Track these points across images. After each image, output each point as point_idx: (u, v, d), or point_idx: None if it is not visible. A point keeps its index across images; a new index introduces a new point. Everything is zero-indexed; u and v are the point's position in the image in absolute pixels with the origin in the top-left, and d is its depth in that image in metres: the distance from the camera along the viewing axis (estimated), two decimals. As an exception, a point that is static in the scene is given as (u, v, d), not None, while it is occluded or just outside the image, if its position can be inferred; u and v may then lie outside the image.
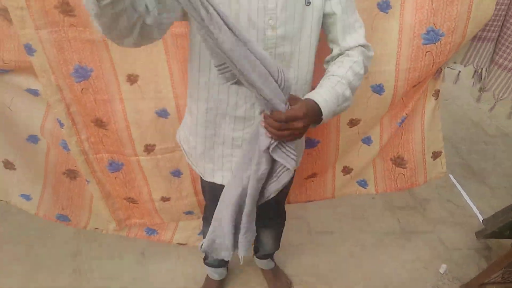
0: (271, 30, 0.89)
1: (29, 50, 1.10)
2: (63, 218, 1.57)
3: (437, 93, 1.42)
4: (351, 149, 1.56)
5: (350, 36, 0.98)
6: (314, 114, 0.89)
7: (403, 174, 1.60)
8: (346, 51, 0.98)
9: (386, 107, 1.39)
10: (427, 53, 1.23)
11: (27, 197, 1.48)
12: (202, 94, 1.00)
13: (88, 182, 1.44)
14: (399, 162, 1.57)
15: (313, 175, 1.64)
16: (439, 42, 1.21)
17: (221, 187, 1.13)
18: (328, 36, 1.01)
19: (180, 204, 1.59)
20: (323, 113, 0.89)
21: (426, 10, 1.17)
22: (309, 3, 0.91)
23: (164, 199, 1.55)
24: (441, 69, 1.39)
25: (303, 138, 1.20)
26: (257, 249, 1.73)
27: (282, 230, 1.60)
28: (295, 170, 1.06)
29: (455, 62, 1.39)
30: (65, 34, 1.10)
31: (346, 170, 1.64)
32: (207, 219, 1.49)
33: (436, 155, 1.55)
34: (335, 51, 1.00)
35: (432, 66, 1.27)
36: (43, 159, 1.43)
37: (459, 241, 2.09)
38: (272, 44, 0.91)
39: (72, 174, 1.49)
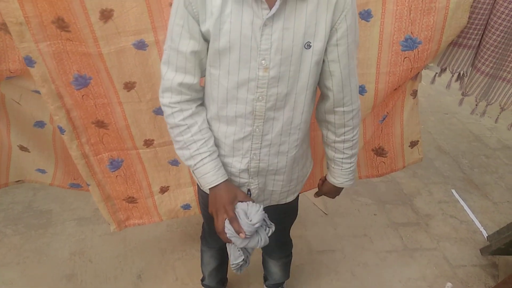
0: (263, 70, 0.87)
1: (29, 62, 1.16)
2: (75, 186, 1.73)
3: (415, 93, 1.53)
4: None
5: (347, 89, 0.97)
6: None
7: (384, 162, 1.73)
8: (342, 118, 1.02)
9: (369, 107, 1.47)
10: (405, 59, 1.33)
11: (43, 171, 1.66)
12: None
13: (88, 185, 1.50)
14: (380, 152, 1.70)
15: None
16: (417, 49, 1.30)
17: None
18: (323, 80, 0.98)
19: (178, 193, 1.64)
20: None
21: (404, 19, 1.26)
22: (310, 46, 0.87)
23: (163, 189, 1.61)
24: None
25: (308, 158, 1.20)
26: (266, 277, 1.66)
27: (290, 259, 1.55)
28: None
29: (431, 64, 1.48)
30: (63, 47, 1.16)
31: None
32: (206, 239, 1.46)
33: (413, 143, 1.67)
34: (329, 102, 1.00)
35: (411, 71, 1.36)
36: (51, 139, 1.58)
37: (464, 258, 2.04)
38: (263, 84, 0.89)
39: None
